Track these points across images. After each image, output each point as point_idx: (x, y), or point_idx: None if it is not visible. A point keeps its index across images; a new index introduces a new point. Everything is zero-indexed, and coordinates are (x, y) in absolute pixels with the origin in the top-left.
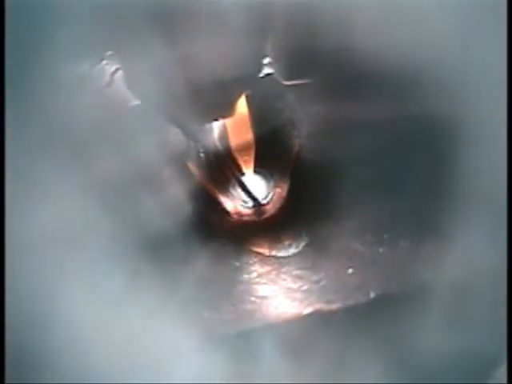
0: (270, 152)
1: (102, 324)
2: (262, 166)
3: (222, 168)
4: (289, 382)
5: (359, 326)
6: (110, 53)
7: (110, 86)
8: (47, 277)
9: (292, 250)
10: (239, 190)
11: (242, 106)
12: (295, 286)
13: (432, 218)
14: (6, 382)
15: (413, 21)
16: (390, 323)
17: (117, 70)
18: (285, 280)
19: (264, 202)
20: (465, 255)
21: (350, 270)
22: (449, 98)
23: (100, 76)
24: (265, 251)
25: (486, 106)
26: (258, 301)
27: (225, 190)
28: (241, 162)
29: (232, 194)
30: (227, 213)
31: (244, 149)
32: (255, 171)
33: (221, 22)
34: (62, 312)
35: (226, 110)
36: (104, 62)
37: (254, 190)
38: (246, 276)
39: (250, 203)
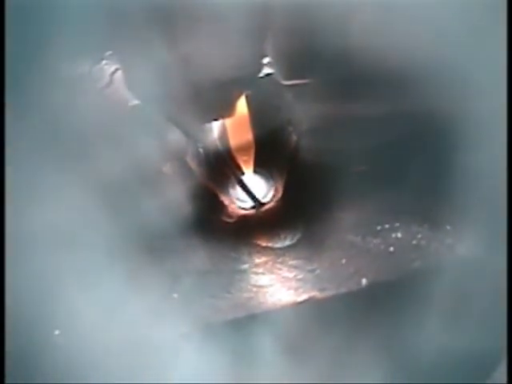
0: (270, 152)
1: (102, 319)
2: (262, 166)
3: (221, 167)
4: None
5: (352, 312)
6: (109, 53)
7: (110, 86)
8: (48, 275)
9: (288, 242)
10: (239, 189)
11: (241, 106)
12: (290, 275)
13: (425, 211)
14: (6, 382)
15: (412, 21)
16: (381, 310)
17: (116, 70)
18: (280, 270)
19: (263, 200)
20: (457, 248)
21: (344, 260)
22: (448, 97)
23: (100, 76)
24: (261, 243)
25: (486, 104)
26: (254, 289)
27: (224, 188)
28: (240, 162)
29: (231, 193)
30: (226, 209)
31: (244, 149)
32: (255, 171)
33: (221, 22)
34: (62, 311)
35: (226, 110)
36: (104, 62)
37: (254, 190)
38: (242, 266)
39: (249, 202)
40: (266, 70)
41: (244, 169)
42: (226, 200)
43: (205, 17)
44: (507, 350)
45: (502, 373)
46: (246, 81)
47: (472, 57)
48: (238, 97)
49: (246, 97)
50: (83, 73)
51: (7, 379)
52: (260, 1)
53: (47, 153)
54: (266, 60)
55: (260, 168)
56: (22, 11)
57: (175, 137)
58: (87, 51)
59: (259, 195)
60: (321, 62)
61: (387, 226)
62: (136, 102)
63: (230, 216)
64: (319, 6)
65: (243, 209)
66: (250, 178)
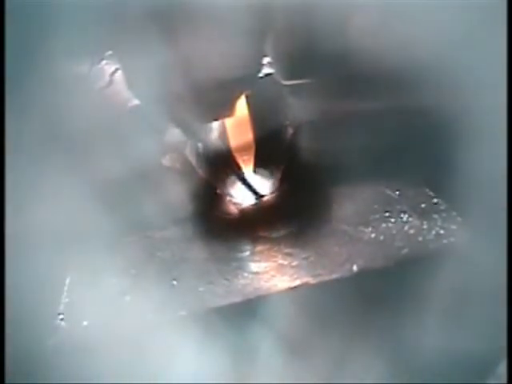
0: (269, 150)
1: (104, 305)
2: (261, 165)
3: (221, 165)
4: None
5: (344, 297)
6: (109, 53)
7: (110, 86)
8: (47, 274)
9: (283, 232)
10: (238, 186)
11: (241, 105)
12: (285, 262)
13: (415, 201)
14: (6, 382)
15: (411, 21)
16: (371, 295)
17: (116, 70)
18: (276, 257)
19: (263, 196)
20: (445, 238)
21: (336, 248)
22: (446, 96)
23: (100, 76)
24: (259, 233)
25: (485, 102)
26: (250, 276)
27: (224, 184)
28: (240, 161)
29: (230, 189)
30: (225, 203)
31: (244, 148)
32: (254, 170)
33: (221, 22)
34: (65, 298)
35: (226, 109)
36: (104, 62)
37: (255, 187)
38: (239, 254)
39: (249, 198)
40: (266, 70)
41: (244, 168)
42: (225, 195)
43: (205, 17)
44: (507, 349)
45: (502, 373)
46: (246, 81)
47: (472, 56)
48: (238, 97)
49: (246, 97)
50: (83, 73)
51: (8, 377)
52: (260, 1)
53: (47, 152)
54: (265, 60)
55: (260, 166)
56: (22, 11)
57: (175, 136)
58: (87, 51)
59: (260, 191)
60: (320, 61)
61: (378, 216)
62: (136, 101)
63: (228, 210)
64: (319, 6)
65: (242, 204)
66: (250, 175)
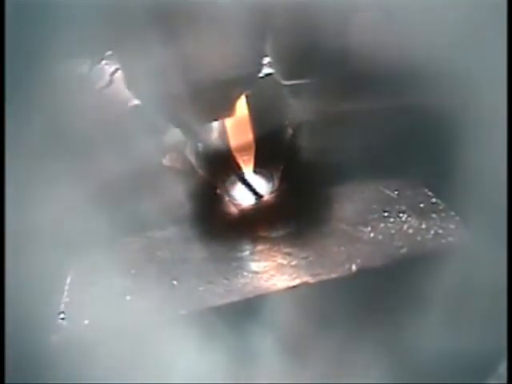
0: (269, 151)
1: (104, 305)
2: (262, 165)
3: (222, 166)
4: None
5: (342, 296)
6: (109, 53)
7: (110, 86)
8: (47, 274)
9: (283, 231)
10: (238, 186)
11: (241, 106)
12: (285, 261)
13: (413, 201)
14: (6, 382)
15: (411, 20)
16: (370, 295)
17: (116, 70)
18: (275, 257)
19: (263, 196)
20: (443, 237)
21: (336, 248)
22: (447, 97)
23: (100, 76)
24: (258, 233)
25: (485, 100)
26: (250, 275)
27: (223, 184)
28: (240, 162)
29: (230, 189)
30: (225, 203)
31: (244, 149)
32: (254, 170)
33: (221, 22)
34: (62, 309)
35: (226, 109)
36: (104, 62)
37: (255, 187)
38: (239, 254)
39: (249, 198)
40: (266, 70)
41: (244, 168)
42: (225, 195)
43: (205, 17)
44: (507, 349)
45: (502, 373)
46: (246, 81)
47: (472, 56)
48: (238, 97)
49: (246, 97)
50: (83, 73)
51: (8, 377)
52: (260, 1)
53: (47, 152)
54: (266, 60)
55: (260, 166)
56: (22, 11)
57: (175, 136)
58: (87, 51)
59: (260, 192)
60: (320, 61)
61: (377, 215)
62: (136, 101)
63: (228, 210)
64: (319, 6)
65: (242, 204)
66: (250, 176)
